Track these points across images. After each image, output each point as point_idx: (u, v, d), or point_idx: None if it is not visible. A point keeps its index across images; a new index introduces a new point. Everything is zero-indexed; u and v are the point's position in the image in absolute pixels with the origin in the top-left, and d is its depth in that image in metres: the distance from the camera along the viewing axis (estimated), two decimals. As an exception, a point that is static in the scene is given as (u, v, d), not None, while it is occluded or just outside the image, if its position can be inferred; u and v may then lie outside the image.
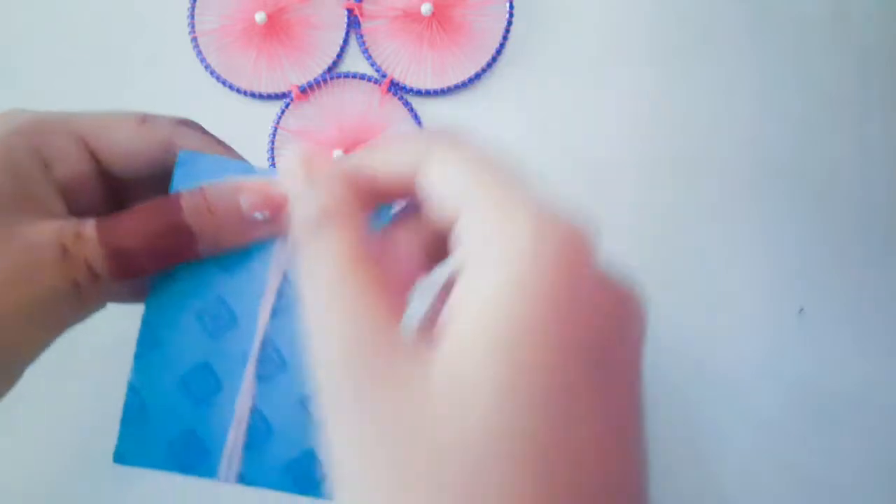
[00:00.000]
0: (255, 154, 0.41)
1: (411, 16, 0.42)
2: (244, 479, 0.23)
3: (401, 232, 0.21)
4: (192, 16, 0.41)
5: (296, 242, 0.20)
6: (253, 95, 0.42)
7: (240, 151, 0.42)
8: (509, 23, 0.41)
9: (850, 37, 0.42)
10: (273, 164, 0.41)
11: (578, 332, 0.16)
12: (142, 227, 0.23)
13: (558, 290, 0.16)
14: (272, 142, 0.41)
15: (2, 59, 0.42)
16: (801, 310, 0.41)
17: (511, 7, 0.41)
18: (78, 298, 0.23)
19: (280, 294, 0.24)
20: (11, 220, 0.22)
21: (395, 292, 0.19)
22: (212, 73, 0.41)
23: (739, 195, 0.42)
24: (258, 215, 0.24)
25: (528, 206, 0.17)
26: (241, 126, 0.42)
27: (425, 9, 0.41)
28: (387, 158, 0.20)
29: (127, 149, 0.24)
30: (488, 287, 0.16)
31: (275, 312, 0.24)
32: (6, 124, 0.23)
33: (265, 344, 0.24)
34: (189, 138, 0.25)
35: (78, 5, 0.42)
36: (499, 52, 0.42)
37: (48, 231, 0.22)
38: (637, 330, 0.19)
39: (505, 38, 0.42)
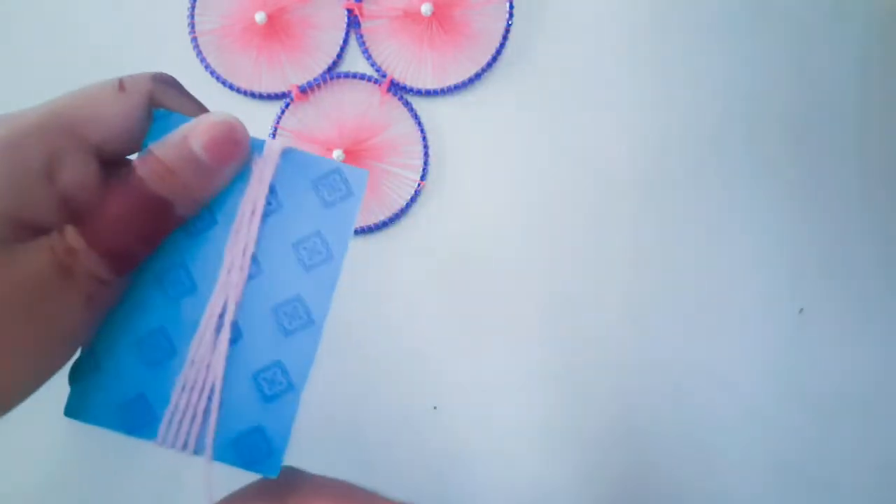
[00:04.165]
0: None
1: (411, 16, 0.42)
2: (187, 448, 0.24)
3: None
4: (192, 16, 0.41)
5: None
6: (253, 95, 0.42)
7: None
8: (509, 23, 0.41)
9: (850, 37, 0.42)
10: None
11: None
12: (118, 216, 0.22)
13: None
14: (272, 142, 0.41)
15: (1, 59, 0.42)
16: (801, 310, 0.41)
17: (511, 7, 0.41)
18: (94, 308, 0.22)
19: (254, 259, 0.24)
20: (5, 254, 0.21)
21: None
22: (212, 73, 0.41)
23: (739, 194, 0.42)
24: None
25: None
26: (241, 126, 0.42)
27: (425, 9, 0.41)
28: None
29: (117, 125, 0.23)
30: None
31: (250, 276, 0.24)
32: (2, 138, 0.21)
33: (223, 314, 0.24)
34: (167, 95, 0.25)
35: (78, 6, 0.42)
36: (499, 52, 0.42)
37: (43, 254, 0.21)
38: None
39: (505, 38, 0.42)
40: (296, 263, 0.24)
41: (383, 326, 0.36)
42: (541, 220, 0.41)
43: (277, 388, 0.24)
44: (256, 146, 0.24)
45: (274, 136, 0.41)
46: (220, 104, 0.42)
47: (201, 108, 0.26)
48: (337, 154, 0.40)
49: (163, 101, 0.25)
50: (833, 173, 0.42)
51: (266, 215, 0.24)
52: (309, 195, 0.25)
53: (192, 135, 0.23)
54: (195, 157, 0.23)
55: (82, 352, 0.24)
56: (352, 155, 0.41)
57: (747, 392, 0.40)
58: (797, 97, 0.42)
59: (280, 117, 0.41)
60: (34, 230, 0.22)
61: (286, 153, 0.25)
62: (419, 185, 0.41)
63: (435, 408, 0.40)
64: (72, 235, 0.22)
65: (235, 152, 0.24)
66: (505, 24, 0.42)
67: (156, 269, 0.24)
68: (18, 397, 0.21)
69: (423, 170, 0.41)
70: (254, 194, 0.24)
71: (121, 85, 0.24)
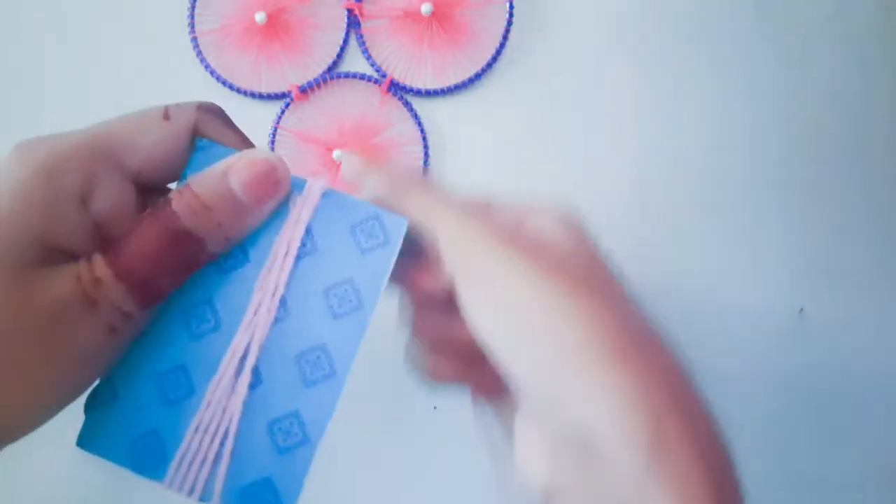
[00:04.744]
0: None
1: (411, 16, 0.42)
2: (194, 492, 0.23)
3: None
4: (192, 16, 0.41)
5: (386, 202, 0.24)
6: (253, 95, 0.42)
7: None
8: (509, 23, 0.41)
9: (850, 37, 0.42)
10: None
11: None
12: (148, 249, 0.22)
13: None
14: (272, 142, 0.41)
15: (2, 60, 0.42)
16: (801, 310, 0.41)
17: (511, 7, 0.41)
18: (116, 339, 0.22)
19: (282, 302, 0.23)
20: (32, 278, 0.20)
21: None
22: (212, 73, 0.41)
23: (739, 195, 0.42)
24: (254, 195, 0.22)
25: None
26: (241, 126, 0.42)
27: (425, 9, 0.41)
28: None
29: (157, 153, 0.23)
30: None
31: (275, 321, 0.23)
32: (36, 163, 0.21)
33: (245, 356, 0.23)
34: (210, 125, 0.24)
35: (78, 5, 0.42)
36: (499, 52, 0.42)
37: (68, 282, 0.21)
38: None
39: (505, 38, 0.42)
40: (324, 310, 0.23)
41: (384, 326, 0.36)
42: (541, 220, 0.41)
43: (292, 439, 0.23)
44: (297, 185, 0.23)
45: (274, 135, 0.41)
46: (220, 104, 0.42)
47: (244, 141, 0.25)
48: (337, 154, 0.40)
49: (206, 131, 0.24)
50: (834, 173, 0.42)
51: (299, 257, 0.23)
52: (345, 240, 0.24)
53: (231, 171, 0.22)
54: (233, 195, 0.22)
55: (101, 381, 0.23)
56: (352, 155, 0.41)
57: (747, 392, 0.40)
58: (798, 97, 0.42)
59: (280, 117, 0.41)
60: (63, 256, 0.21)
61: (326, 194, 0.24)
62: (419, 185, 0.41)
63: (435, 408, 0.40)
64: (99, 265, 0.21)
65: (275, 192, 0.23)
66: (505, 24, 0.41)
67: (182, 304, 0.23)
68: (32, 424, 0.21)
69: (423, 170, 0.41)
70: (289, 234, 0.23)
71: (165, 113, 0.23)
